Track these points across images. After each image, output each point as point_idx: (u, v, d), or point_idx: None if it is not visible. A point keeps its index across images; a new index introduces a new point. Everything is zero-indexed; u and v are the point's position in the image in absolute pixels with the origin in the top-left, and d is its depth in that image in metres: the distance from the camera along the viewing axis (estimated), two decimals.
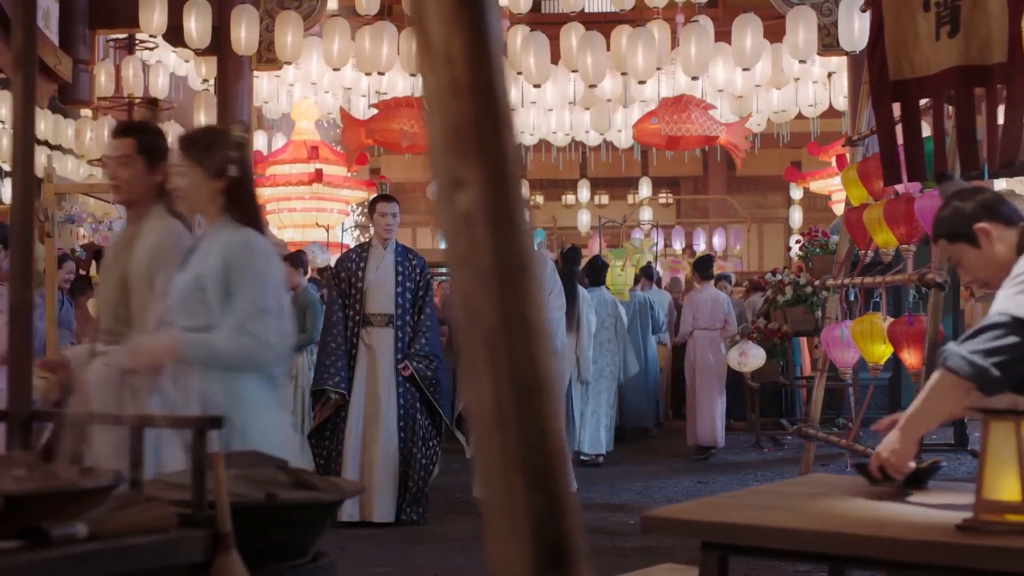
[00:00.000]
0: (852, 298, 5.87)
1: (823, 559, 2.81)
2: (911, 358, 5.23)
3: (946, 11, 4.22)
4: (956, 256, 3.15)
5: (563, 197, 21.53)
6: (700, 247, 18.77)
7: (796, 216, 18.39)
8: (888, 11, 4.38)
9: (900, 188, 5.43)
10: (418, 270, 7.01)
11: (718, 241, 18.70)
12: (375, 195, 8.41)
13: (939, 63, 4.24)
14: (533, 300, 1.01)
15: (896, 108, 4.43)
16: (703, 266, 10.14)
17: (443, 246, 1.03)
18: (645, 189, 19.36)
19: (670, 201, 22.08)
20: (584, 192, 19.55)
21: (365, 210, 18.53)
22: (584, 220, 19.43)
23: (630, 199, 20.80)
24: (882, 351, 5.52)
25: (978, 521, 2.52)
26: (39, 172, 13.81)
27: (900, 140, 4.67)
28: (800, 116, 14.31)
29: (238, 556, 2.28)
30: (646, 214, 19.17)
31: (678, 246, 19.11)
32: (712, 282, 10.09)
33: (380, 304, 6.88)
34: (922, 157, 4.34)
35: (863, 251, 5.90)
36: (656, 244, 16.45)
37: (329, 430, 6.84)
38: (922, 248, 5.73)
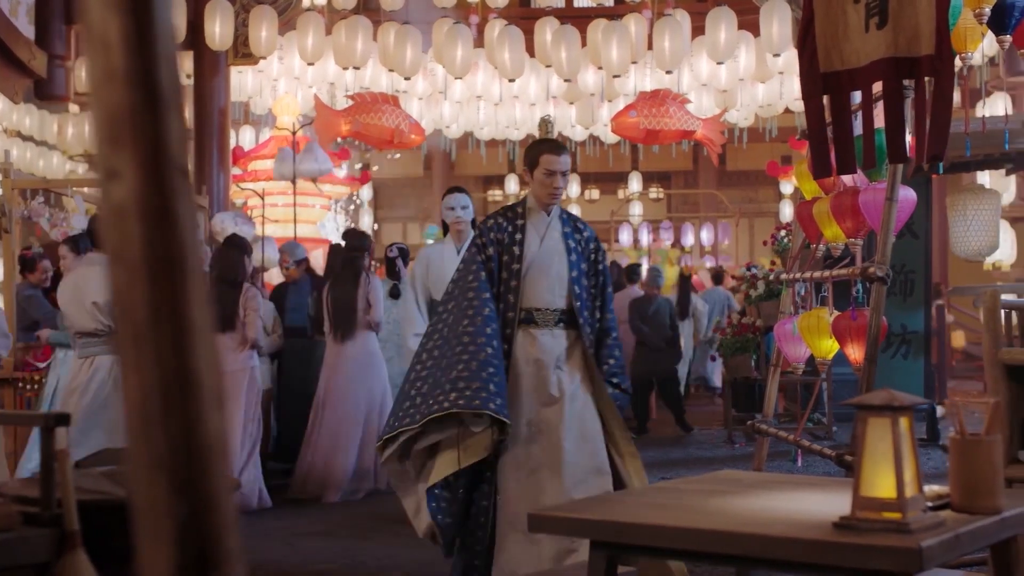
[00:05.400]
0: (802, 293, 5.83)
1: (710, 558, 2.78)
2: (855, 353, 5.19)
3: (875, 2, 4.18)
4: None
5: None
6: (689, 242, 18.71)
7: (787, 210, 18.32)
8: (819, 2, 4.33)
9: (848, 181, 5.40)
10: (591, 246, 4.93)
11: (706, 236, 18.64)
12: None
13: (868, 55, 4.19)
14: (187, 296, 0.97)
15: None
16: (630, 272, 12.03)
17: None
18: (635, 184, 19.31)
19: (660, 196, 22.04)
20: (574, 187, 19.50)
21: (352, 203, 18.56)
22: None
23: (620, 194, 20.76)
24: (829, 346, 5.48)
25: (854, 519, 2.49)
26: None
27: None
28: (788, 111, 14.26)
29: (85, 555, 2.25)
30: (636, 209, 19.12)
31: (667, 241, 19.07)
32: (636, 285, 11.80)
33: (549, 295, 4.76)
34: (852, 149, 4.30)
35: (814, 245, 5.87)
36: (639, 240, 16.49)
37: (487, 481, 4.50)
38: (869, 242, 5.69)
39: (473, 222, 6.72)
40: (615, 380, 4.72)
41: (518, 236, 4.79)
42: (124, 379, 0.96)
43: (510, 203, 5.11)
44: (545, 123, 5.14)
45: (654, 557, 3.21)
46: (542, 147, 4.90)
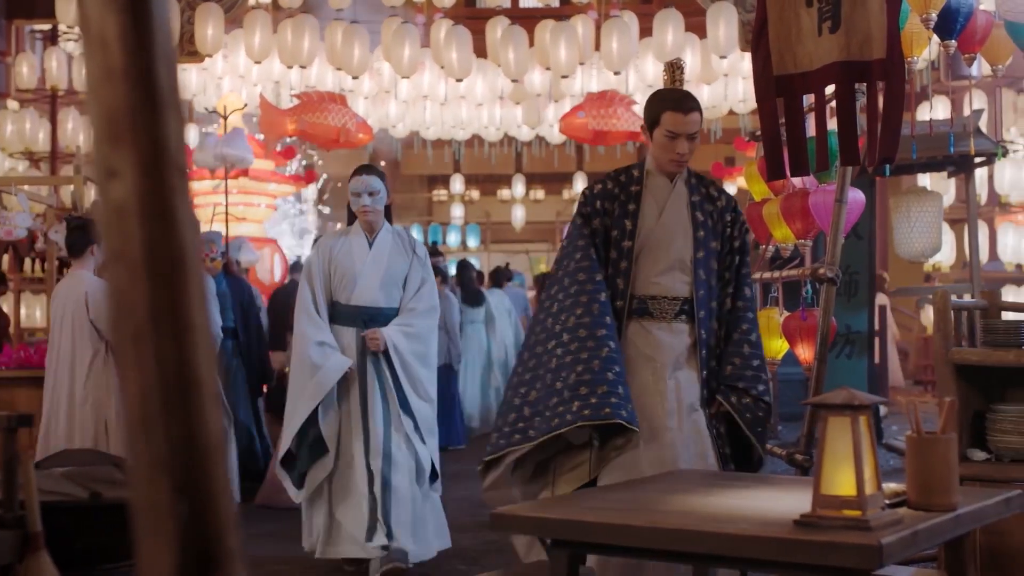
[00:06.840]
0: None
1: (671, 556, 2.80)
2: (804, 352, 5.25)
3: (827, 6, 4.23)
4: None
5: (498, 192, 21.51)
6: None
7: None
8: (772, 6, 4.37)
9: (797, 183, 5.46)
10: (727, 217, 4.04)
11: None
12: None
13: (821, 58, 4.24)
14: (188, 296, 0.97)
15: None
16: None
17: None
18: (580, 184, 19.37)
19: None
20: (519, 187, 19.53)
21: (301, 204, 18.45)
22: (519, 215, 19.42)
23: (565, 194, 20.83)
24: (779, 346, 5.55)
25: (815, 516, 2.52)
26: None
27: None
28: (732, 112, 14.38)
29: (48, 557, 2.23)
30: None
31: None
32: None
33: (667, 280, 3.87)
34: (805, 151, 4.35)
35: (763, 246, 5.93)
36: None
37: None
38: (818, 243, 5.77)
39: (387, 209, 5.66)
40: (741, 385, 3.79)
41: (631, 207, 3.87)
42: (124, 379, 0.95)
43: (624, 166, 4.09)
44: (673, 67, 4.15)
45: (617, 556, 3.23)
46: (666, 102, 3.93)
